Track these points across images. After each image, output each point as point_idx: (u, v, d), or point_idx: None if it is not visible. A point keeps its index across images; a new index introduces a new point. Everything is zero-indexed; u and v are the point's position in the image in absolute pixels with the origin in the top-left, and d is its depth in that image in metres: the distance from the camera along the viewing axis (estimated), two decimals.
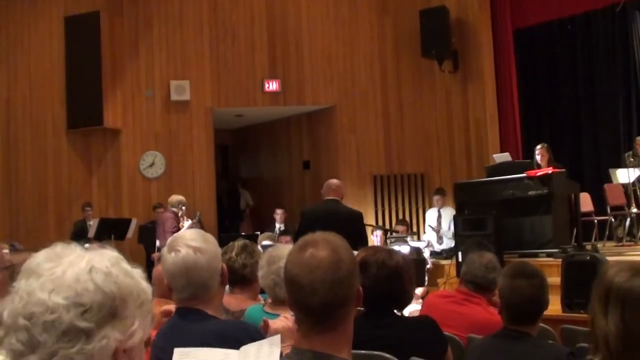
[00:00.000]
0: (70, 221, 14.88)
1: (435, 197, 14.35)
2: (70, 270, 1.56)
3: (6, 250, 4.04)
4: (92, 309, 1.53)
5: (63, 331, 1.51)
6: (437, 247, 13.68)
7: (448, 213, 13.85)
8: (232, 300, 4.77)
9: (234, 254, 4.83)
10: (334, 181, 8.92)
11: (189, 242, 3.23)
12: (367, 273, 3.74)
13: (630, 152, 13.33)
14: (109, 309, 1.56)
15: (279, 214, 15.48)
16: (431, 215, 14.27)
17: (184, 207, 13.23)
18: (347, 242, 2.48)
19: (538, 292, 4.13)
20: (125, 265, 1.65)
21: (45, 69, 15.55)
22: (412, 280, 4.03)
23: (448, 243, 13.58)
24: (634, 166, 13.03)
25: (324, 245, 2.41)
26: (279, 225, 15.31)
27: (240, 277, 4.73)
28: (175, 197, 13.35)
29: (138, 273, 1.66)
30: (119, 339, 1.57)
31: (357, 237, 7.73)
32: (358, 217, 8.78)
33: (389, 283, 3.82)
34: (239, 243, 5.03)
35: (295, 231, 8.85)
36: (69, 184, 15.43)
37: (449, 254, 12.79)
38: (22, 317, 1.52)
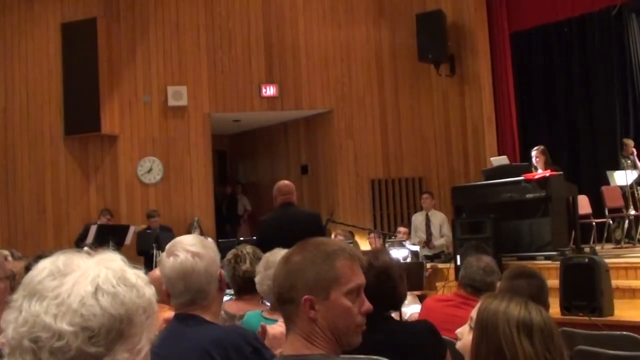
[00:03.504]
0: (69, 227, 14.88)
1: (424, 196, 14.20)
2: (75, 291, 1.51)
3: (10, 258, 4.01)
4: (100, 334, 1.50)
5: (71, 357, 1.47)
6: (427, 251, 13.53)
7: (437, 217, 13.79)
8: (237, 305, 4.79)
9: (248, 264, 4.83)
10: (284, 183, 8.58)
11: (188, 246, 3.22)
12: None
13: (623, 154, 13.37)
14: (117, 331, 1.52)
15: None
16: (418, 219, 14.12)
17: None
18: (327, 252, 2.48)
19: (537, 293, 4.14)
20: (130, 274, 1.60)
21: (42, 75, 15.54)
22: (402, 277, 4.01)
23: (439, 247, 13.55)
24: (630, 168, 13.04)
25: (301, 249, 2.51)
26: None
27: (252, 285, 4.70)
28: None
29: (142, 281, 1.61)
30: (127, 358, 1.54)
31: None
32: (317, 218, 8.65)
33: (378, 284, 3.78)
34: (248, 251, 5.00)
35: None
36: (67, 191, 15.41)
37: (445, 257, 12.79)
38: (28, 340, 1.48)
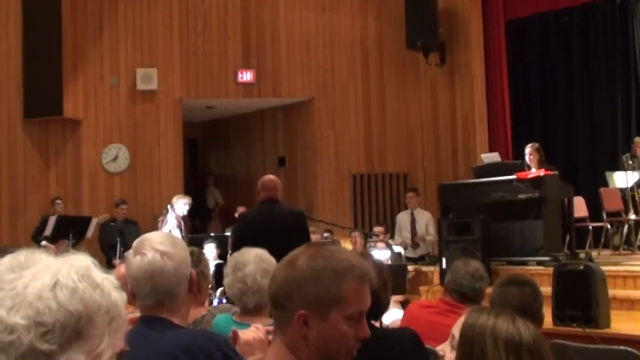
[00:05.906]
0: (26, 218, 14.79)
1: (409, 194, 14.17)
2: (32, 284, 1.51)
3: None
4: (55, 330, 1.48)
5: (22, 353, 1.46)
6: (411, 253, 13.55)
7: (423, 216, 13.81)
8: None
9: None
10: (270, 177, 8.88)
11: (156, 245, 3.19)
12: None
13: (629, 154, 13.30)
14: (73, 329, 1.51)
15: (239, 212, 15.59)
16: (403, 218, 14.13)
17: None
18: (337, 269, 2.45)
19: (531, 303, 4.16)
20: (96, 274, 1.59)
21: (0, 53, 15.41)
22: (386, 285, 4.02)
23: (424, 248, 13.58)
24: (632, 169, 13.05)
25: (309, 256, 2.45)
26: None
27: None
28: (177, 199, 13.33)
29: (109, 283, 1.61)
30: None
31: (305, 239, 7.90)
32: (302, 217, 8.90)
33: None
34: None
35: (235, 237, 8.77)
36: (25, 179, 15.28)
37: (429, 260, 12.81)
38: None
